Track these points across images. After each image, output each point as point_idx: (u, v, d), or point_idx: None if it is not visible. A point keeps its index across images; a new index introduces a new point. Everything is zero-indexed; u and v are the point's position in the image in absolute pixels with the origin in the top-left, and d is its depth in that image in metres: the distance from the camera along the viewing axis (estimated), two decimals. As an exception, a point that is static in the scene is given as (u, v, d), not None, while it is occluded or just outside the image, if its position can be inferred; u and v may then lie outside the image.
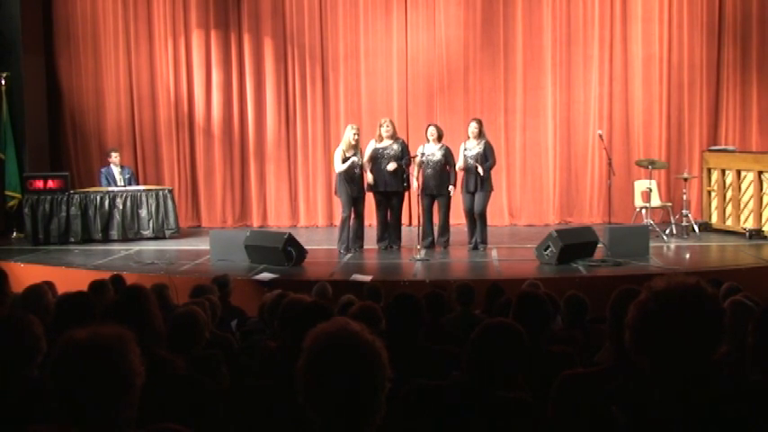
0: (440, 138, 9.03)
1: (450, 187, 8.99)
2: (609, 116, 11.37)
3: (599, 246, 8.44)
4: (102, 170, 10.82)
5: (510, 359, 2.61)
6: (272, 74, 11.75)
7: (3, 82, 10.82)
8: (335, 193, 9.31)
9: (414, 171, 9.10)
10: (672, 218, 9.91)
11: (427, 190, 9.00)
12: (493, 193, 9.22)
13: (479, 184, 8.90)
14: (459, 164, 9.00)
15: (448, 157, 8.99)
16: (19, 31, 11.04)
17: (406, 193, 9.59)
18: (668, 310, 1.80)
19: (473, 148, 8.96)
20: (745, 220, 9.70)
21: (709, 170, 10.32)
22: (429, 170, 8.94)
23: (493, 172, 9.21)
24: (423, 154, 8.96)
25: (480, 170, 8.81)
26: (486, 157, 8.94)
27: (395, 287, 6.24)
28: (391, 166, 8.90)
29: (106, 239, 10.18)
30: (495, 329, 2.67)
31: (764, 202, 9.47)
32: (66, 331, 1.91)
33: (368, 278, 7.27)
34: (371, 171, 9.03)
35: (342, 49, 11.71)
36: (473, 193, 8.97)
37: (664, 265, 8.08)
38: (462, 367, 2.64)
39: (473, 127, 9.01)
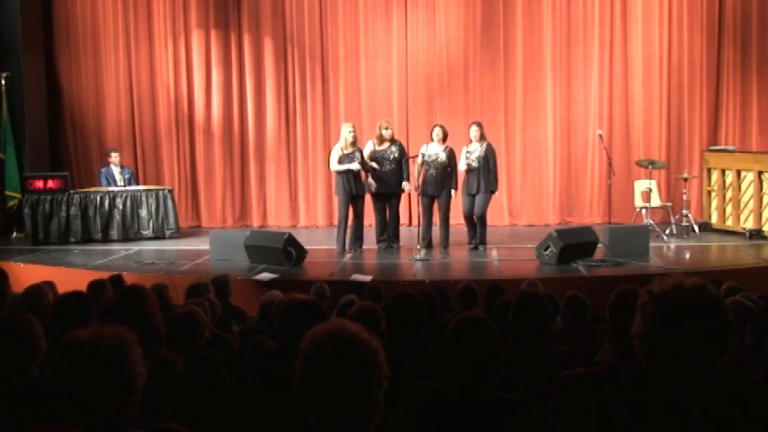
0: (445, 139, 9.04)
1: (452, 191, 9.02)
2: (609, 116, 11.38)
3: (599, 246, 8.45)
4: (102, 170, 10.82)
5: (485, 349, 2.62)
6: (272, 74, 11.75)
7: (3, 82, 10.81)
8: (336, 192, 9.32)
9: (414, 170, 9.11)
10: (672, 218, 9.91)
11: (428, 190, 9.01)
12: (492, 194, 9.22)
13: (480, 185, 8.91)
14: (462, 166, 9.01)
15: (451, 158, 9.00)
16: (19, 31, 11.04)
17: (404, 194, 9.60)
18: (680, 315, 1.80)
19: (475, 150, 8.97)
20: (745, 220, 9.70)
21: (709, 170, 10.32)
22: (432, 171, 8.95)
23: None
24: (424, 154, 8.96)
25: (407, 187, 8.99)
26: (488, 159, 8.95)
27: (395, 287, 6.24)
28: (407, 188, 9.00)
29: (106, 239, 10.18)
30: (466, 323, 2.68)
31: (764, 202, 9.47)
32: (64, 331, 1.91)
33: (368, 278, 7.27)
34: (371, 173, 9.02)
35: (342, 49, 11.71)
36: (474, 196, 8.98)
37: (664, 265, 8.08)
38: (450, 366, 2.66)
39: (474, 130, 9.03)
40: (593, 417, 2.25)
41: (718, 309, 1.82)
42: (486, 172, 8.95)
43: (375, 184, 8.99)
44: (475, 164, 8.90)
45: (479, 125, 9.13)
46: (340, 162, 8.87)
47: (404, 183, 9.01)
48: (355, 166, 8.81)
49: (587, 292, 4.78)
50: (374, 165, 8.98)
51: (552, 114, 11.47)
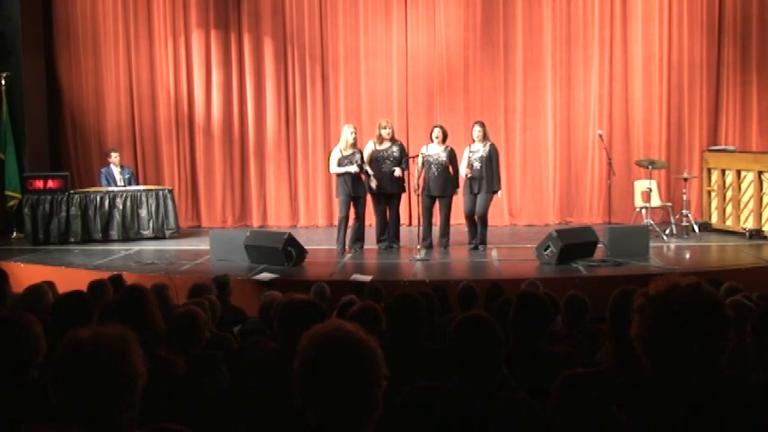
0: (444, 139, 9.04)
1: (456, 190, 9.03)
2: (609, 116, 11.38)
3: (599, 246, 8.44)
4: (102, 170, 10.82)
5: (487, 349, 2.62)
6: (272, 74, 11.75)
7: (3, 82, 10.82)
8: (336, 194, 9.31)
9: (415, 171, 9.11)
10: (672, 218, 9.91)
11: (429, 191, 9.01)
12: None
13: (482, 185, 8.92)
14: (464, 166, 9.01)
15: (452, 158, 9.01)
16: (19, 31, 11.04)
17: (404, 194, 9.61)
18: (679, 316, 1.80)
19: (478, 150, 8.98)
20: (745, 220, 9.70)
21: (709, 170, 10.32)
22: (432, 171, 8.95)
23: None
24: (425, 154, 8.97)
25: (398, 171, 8.91)
26: (491, 159, 8.95)
27: (395, 287, 6.24)
28: (398, 172, 8.92)
29: (106, 239, 10.18)
30: (468, 323, 2.68)
31: (764, 202, 9.47)
32: (65, 331, 1.91)
33: (368, 278, 7.27)
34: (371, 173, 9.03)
35: (342, 49, 11.71)
36: (475, 195, 8.99)
37: (664, 265, 8.07)
38: (449, 366, 2.65)
39: (477, 130, 9.04)
40: (593, 417, 2.25)
41: (717, 306, 1.83)
42: (489, 172, 8.95)
43: (375, 182, 8.98)
44: (477, 165, 8.90)
45: (482, 125, 9.13)
46: (339, 164, 8.87)
47: (396, 168, 8.95)
48: (353, 168, 8.80)
49: (587, 292, 4.78)
50: (369, 171, 8.92)
51: (552, 114, 11.47)
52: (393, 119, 10.84)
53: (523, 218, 11.56)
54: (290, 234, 8.35)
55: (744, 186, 9.75)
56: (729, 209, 9.93)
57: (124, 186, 10.64)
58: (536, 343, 3.46)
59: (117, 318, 2.60)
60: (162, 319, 3.07)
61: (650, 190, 10.15)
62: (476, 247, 9.05)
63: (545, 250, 8.05)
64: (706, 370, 1.80)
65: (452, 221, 9.41)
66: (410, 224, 10.87)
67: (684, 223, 9.81)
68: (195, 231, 11.29)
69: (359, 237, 9.13)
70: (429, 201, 9.09)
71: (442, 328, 4.52)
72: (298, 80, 11.78)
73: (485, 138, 9.05)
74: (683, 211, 9.86)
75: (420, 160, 9.01)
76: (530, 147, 11.55)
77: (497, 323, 2.71)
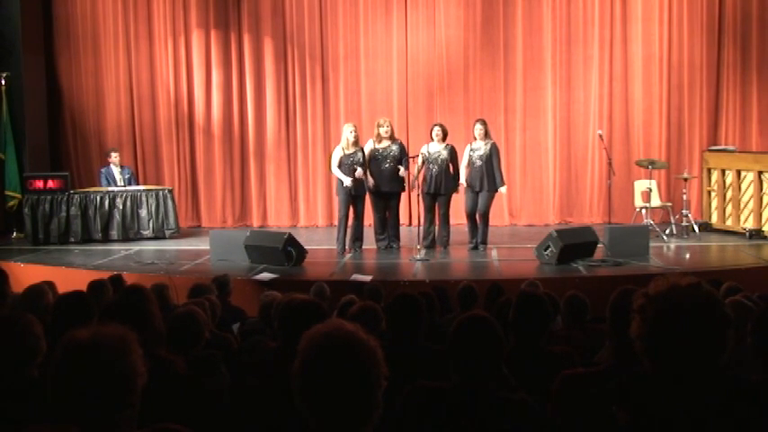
0: (445, 137, 9.05)
1: (460, 186, 9.03)
2: (609, 116, 11.38)
3: (599, 246, 8.45)
4: (102, 170, 10.82)
5: (488, 348, 2.62)
6: (272, 74, 11.76)
7: (3, 82, 10.81)
8: (336, 192, 9.31)
9: (415, 171, 9.11)
10: (672, 218, 9.91)
11: (430, 189, 9.01)
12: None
13: (484, 183, 8.92)
14: (464, 165, 9.01)
15: (453, 156, 9.01)
16: (19, 31, 11.04)
17: (404, 193, 9.60)
18: (680, 315, 1.80)
19: (479, 148, 8.99)
20: (745, 220, 9.71)
21: (709, 170, 10.32)
22: (433, 169, 8.95)
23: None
24: (426, 153, 8.97)
25: (402, 171, 8.91)
26: (492, 157, 8.96)
27: (395, 287, 6.25)
28: (402, 171, 8.92)
29: (106, 239, 10.18)
30: (468, 323, 2.68)
31: (764, 202, 9.47)
32: (65, 331, 1.91)
33: (368, 278, 7.27)
34: (370, 172, 9.03)
35: (342, 49, 11.71)
36: (477, 194, 8.99)
37: (664, 265, 8.07)
38: (449, 366, 2.65)
39: (479, 128, 9.05)
40: (593, 417, 2.25)
41: (717, 305, 1.83)
42: (490, 170, 8.96)
43: (372, 180, 8.98)
44: (477, 163, 8.90)
45: (484, 123, 9.14)
46: (341, 164, 8.87)
47: (400, 167, 8.93)
48: (348, 181, 8.77)
49: (587, 292, 4.78)
50: (359, 174, 8.88)
51: (552, 114, 11.47)
52: (393, 119, 10.84)
53: (523, 218, 11.57)
54: (290, 234, 8.35)
55: (744, 186, 9.75)
56: (729, 209, 9.93)
57: (124, 186, 10.64)
58: (536, 343, 3.46)
59: (117, 318, 2.60)
60: (162, 319, 3.07)
61: (650, 190, 10.15)
62: (476, 247, 9.05)
63: (545, 250, 8.05)
64: (706, 370, 1.81)
65: (453, 221, 9.42)
66: (410, 224, 10.87)
67: (684, 223, 9.81)
68: (195, 231, 11.29)
69: (358, 236, 9.13)
70: (430, 199, 9.09)
71: (442, 328, 4.52)
72: (298, 80, 11.78)
73: (486, 136, 9.06)
74: (683, 211, 9.86)
75: (420, 159, 9.02)
76: (530, 147, 11.55)
77: (497, 323, 2.71)
